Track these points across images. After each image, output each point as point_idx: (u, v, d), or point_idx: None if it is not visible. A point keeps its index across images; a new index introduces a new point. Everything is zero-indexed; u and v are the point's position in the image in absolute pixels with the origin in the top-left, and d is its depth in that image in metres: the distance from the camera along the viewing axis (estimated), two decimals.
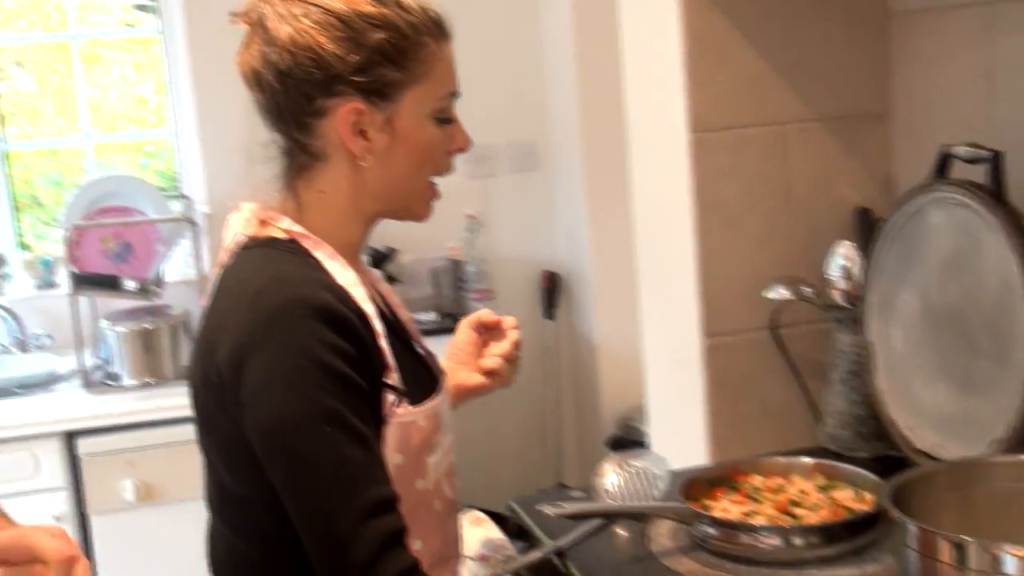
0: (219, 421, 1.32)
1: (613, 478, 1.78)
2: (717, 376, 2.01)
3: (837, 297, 1.86)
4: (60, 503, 2.79)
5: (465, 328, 1.64)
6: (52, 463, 2.78)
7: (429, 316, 3.27)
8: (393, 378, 1.33)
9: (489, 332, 1.64)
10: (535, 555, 1.59)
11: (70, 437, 2.80)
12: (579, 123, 3.39)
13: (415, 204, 1.41)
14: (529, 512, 1.77)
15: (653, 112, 2.09)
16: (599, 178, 3.32)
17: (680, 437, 2.14)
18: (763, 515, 1.57)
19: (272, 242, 1.36)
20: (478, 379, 1.61)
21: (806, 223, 2.00)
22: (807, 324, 1.99)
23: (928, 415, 1.68)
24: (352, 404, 1.25)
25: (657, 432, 2.27)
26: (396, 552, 1.23)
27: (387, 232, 3.42)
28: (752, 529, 1.52)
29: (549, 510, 1.56)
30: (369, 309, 1.33)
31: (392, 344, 1.36)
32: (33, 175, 3.80)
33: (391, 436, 1.31)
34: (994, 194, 1.53)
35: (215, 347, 1.30)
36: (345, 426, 1.23)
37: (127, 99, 3.85)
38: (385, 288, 1.55)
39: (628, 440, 3.03)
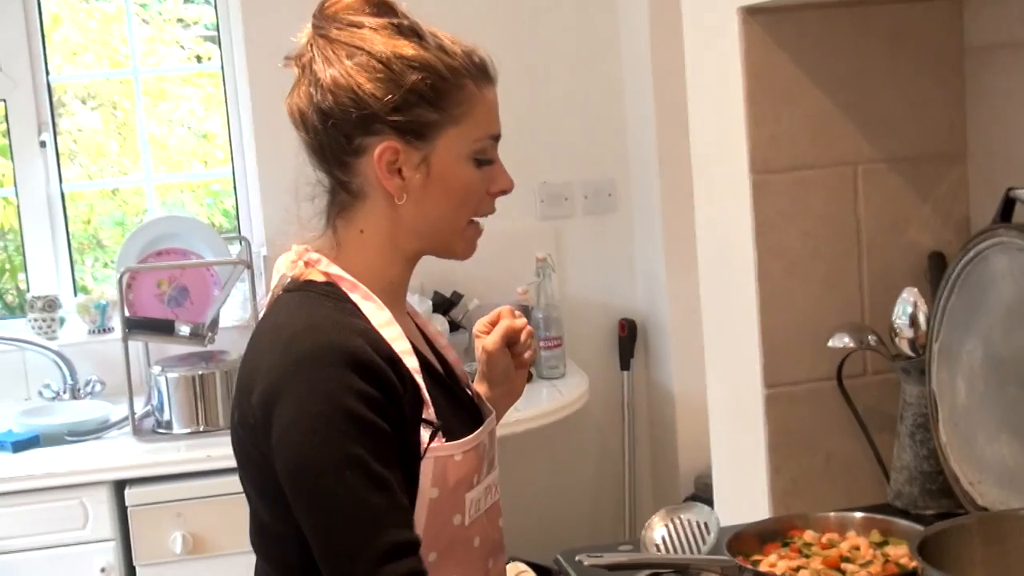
0: (254, 460, 1.47)
1: (661, 531, 1.89)
2: (778, 428, 2.09)
3: (904, 346, 1.93)
4: (108, 554, 2.95)
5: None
6: (100, 513, 2.94)
7: None
8: (429, 413, 1.46)
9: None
10: None
11: (119, 487, 2.97)
12: (658, 163, 3.51)
13: (454, 243, 1.55)
14: (575, 566, 1.87)
15: (716, 153, 2.19)
16: (678, 221, 3.42)
17: (743, 492, 2.23)
18: (811, 570, 1.66)
19: (310, 285, 1.51)
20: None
21: (876, 269, 2.08)
22: (875, 374, 2.08)
23: (992, 470, 1.75)
24: (376, 450, 1.38)
25: (720, 487, 2.36)
26: None
27: (454, 276, 3.59)
28: None
29: (586, 560, 1.67)
30: (403, 347, 1.47)
31: (430, 382, 1.50)
32: (95, 216, 4.03)
33: (426, 470, 1.45)
34: None
35: (251, 389, 1.46)
36: (366, 472, 1.37)
37: (193, 137, 4.07)
38: (432, 330, 1.71)
39: (704, 499, 3.11)
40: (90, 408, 3.31)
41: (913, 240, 2.08)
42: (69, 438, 3.13)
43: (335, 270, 1.51)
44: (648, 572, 1.79)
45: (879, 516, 1.77)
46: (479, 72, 1.52)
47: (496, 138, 1.53)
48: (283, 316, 1.49)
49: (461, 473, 1.50)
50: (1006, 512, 1.50)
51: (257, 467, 1.47)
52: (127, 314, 3.14)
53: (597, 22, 3.69)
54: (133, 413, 3.11)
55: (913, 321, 1.92)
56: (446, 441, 1.47)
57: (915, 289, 1.93)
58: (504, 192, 1.54)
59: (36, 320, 3.51)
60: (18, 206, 3.72)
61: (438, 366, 1.60)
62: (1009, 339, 1.73)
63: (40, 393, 3.45)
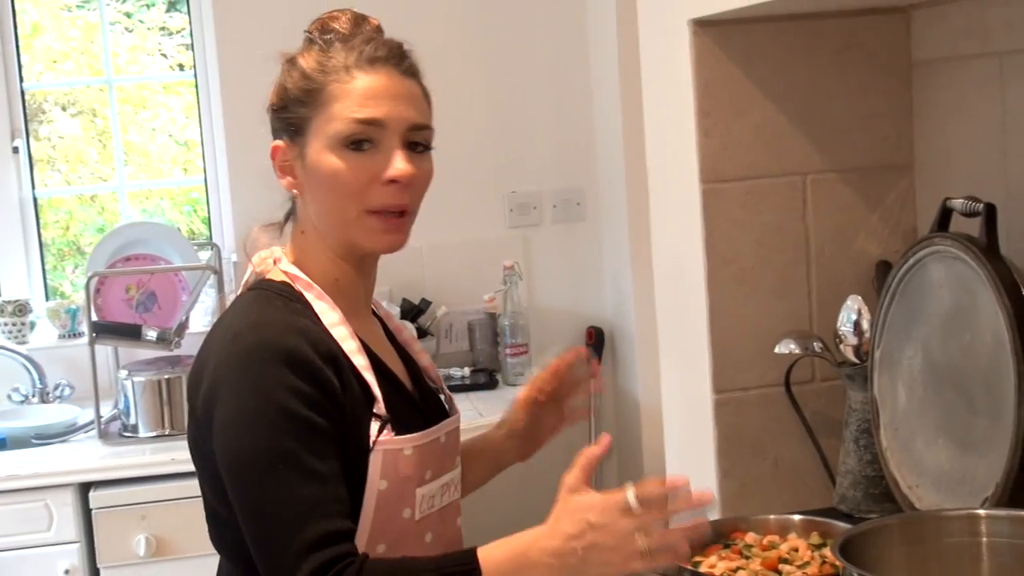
0: (204, 452, 1.52)
1: None
2: (728, 433, 2.11)
3: (849, 353, 1.97)
4: (72, 556, 2.96)
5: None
6: (65, 515, 2.96)
7: (463, 372, 3.42)
8: (379, 407, 1.51)
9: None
10: None
11: (84, 489, 2.98)
12: (625, 173, 3.54)
13: (354, 235, 1.54)
14: None
15: (670, 163, 2.22)
16: (645, 230, 3.45)
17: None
18: (750, 571, 1.69)
19: (266, 284, 1.56)
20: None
21: (825, 277, 2.11)
22: (822, 381, 2.11)
23: (929, 474, 1.78)
24: (310, 444, 1.43)
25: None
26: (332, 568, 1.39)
27: (422, 284, 3.63)
28: None
29: None
30: (351, 346, 1.52)
31: (382, 380, 1.54)
32: (75, 222, 4.05)
33: (375, 462, 1.49)
34: (987, 248, 1.64)
35: (199, 383, 1.51)
36: (298, 465, 1.41)
37: (175, 144, 4.10)
38: (406, 336, 1.77)
39: None
40: (58, 412, 3.34)
41: (861, 249, 2.11)
42: (36, 441, 3.15)
43: (292, 270, 1.57)
44: None
45: (819, 519, 1.81)
46: (357, 61, 1.54)
47: (369, 123, 1.52)
48: (235, 313, 1.54)
49: (411, 468, 1.54)
50: (927, 513, 1.53)
51: (206, 460, 1.52)
52: (94, 318, 3.16)
53: (566, 32, 3.73)
54: (99, 416, 3.13)
55: (857, 328, 1.95)
56: (395, 435, 1.51)
57: (859, 297, 1.96)
58: (393, 180, 1.51)
59: (6, 324, 3.54)
60: None
61: (393, 367, 1.64)
62: (946, 346, 1.76)
63: (9, 397, 3.47)
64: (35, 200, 3.76)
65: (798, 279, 2.11)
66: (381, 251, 1.57)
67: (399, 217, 1.54)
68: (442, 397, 1.75)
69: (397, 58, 1.56)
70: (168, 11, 4.06)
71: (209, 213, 3.84)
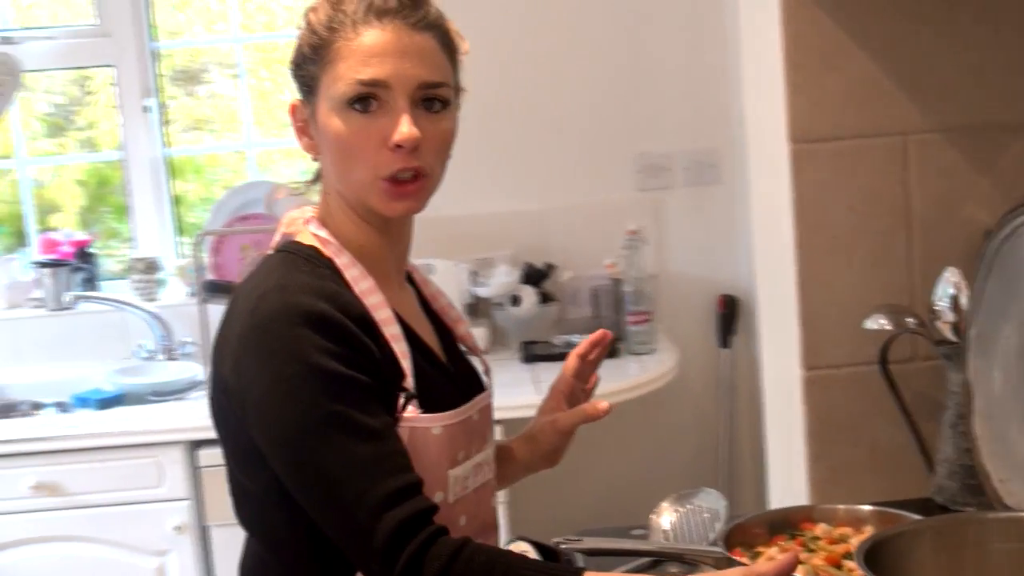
0: (229, 422, 1.47)
1: (670, 517, 1.83)
2: (818, 413, 2.01)
3: (945, 331, 1.83)
4: (182, 513, 3.01)
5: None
6: (175, 473, 3.00)
7: (583, 338, 3.32)
8: (408, 382, 1.44)
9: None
10: None
11: (193, 447, 3.02)
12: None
13: (367, 199, 1.47)
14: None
15: (762, 121, 2.10)
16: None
17: (787, 480, 2.14)
18: (809, 566, 1.57)
19: (294, 247, 1.50)
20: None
21: (928, 248, 1.97)
22: (924, 360, 1.97)
23: (1022, 468, 1.63)
24: (356, 401, 1.36)
25: (773, 474, 2.27)
26: (417, 534, 1.33)
27: (547, 248, 3.56)
28: None
29: (564, 544, 1.62)
30: (383, 315, 1.45)
31: (415, 353, 1.48)
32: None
33: (401, 439, 1.42)
34: None
35: (224, 351, 1.45)
36: (348, 426, 1.35)
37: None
38: (443, 303, 1.69)
39: None
40: (181, 369, 3.39)
41: (969, 217, 1.96)
42: (152, 398, 3.21)
43: (323, 233, 1.50)
44: (650, 560, 1.73)
45: (895, 511, 1.66)
46: (365, 15, 1.45)
47: (373, 84, 1.43)
48: (260, 275, 1.48)
49: (442, 448, 1.47)
50: (964, 516, 1.39)
51: (232, 429, 1.47)
52: (208, 277, 3.19)
53: None
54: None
55: (955, 304, 1.81)
56: (423, 412, 1.44)
57: (957, 270, 1.83)
58: (398, 145, 1.42)
59: (137, 281, 3.62)
60: (127, 171, 3.82)
61: (427, 339, 1.57)
62: None
63: (135, 353, 3.55)
64: (167, 160, 3.80)
65: (897, 249, 1.99)
66: (393, 216, 1.49)
67: (413, 181, 1.45)
68: (479, 369, 1.67)
69: (408, 9, 1.46)
70: None
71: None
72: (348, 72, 1.43)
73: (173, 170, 3.85)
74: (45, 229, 3.92)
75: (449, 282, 3.40)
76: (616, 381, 3.10)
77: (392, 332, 1.45)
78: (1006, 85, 1.95)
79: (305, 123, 1.50)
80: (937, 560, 1.22)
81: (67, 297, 3.64)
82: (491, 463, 1.61)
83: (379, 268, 1.51)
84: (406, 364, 1.45)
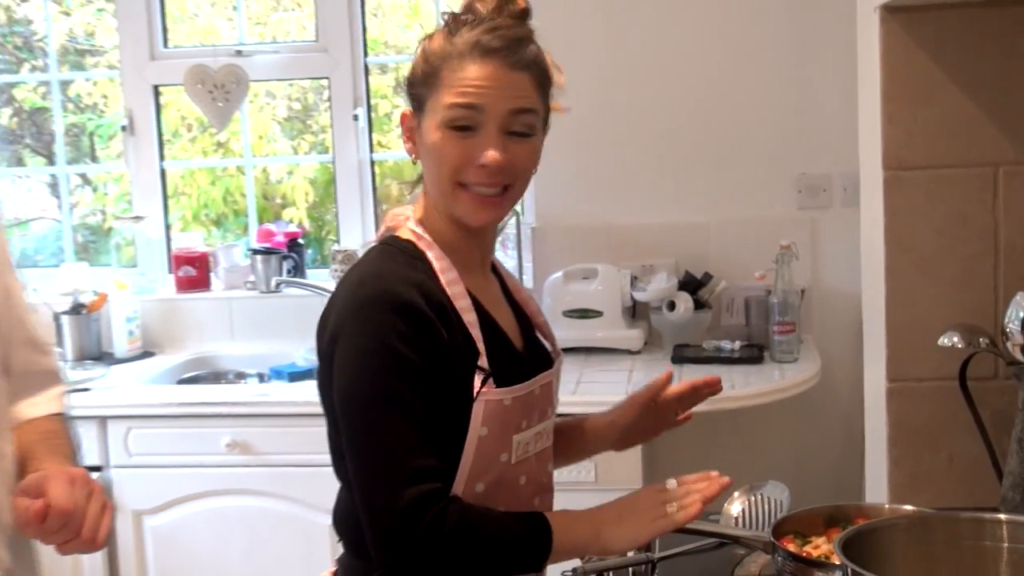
0: (325, 383, 1.64)
1: (739, 505, 1.91)
2: (899, 422, 2.05)
3: (1017, 353, 1.84)
4: None
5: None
6: None
7: (733, 345, 3.39)
8: (482, 361, 1.59)
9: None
10: (621, 561, 1.75)
11: None
12: None
13: (451, 206, 1.63)
14: None
15: (868, 150, 2.15)
16: None
17: (874, 486, 2.18)
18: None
19: (393, 240, 1.68)
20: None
21: (1010, 272, 1.99)
22: (1004, 379, 1.98)
23: None
24: (416, 386, 1.53)
25: (869, 476, 2.31)
26: (428, 513, 1.50)
27: (706, 258, 3.62)
28: (821, 566, 1.60)
29: None
30: (463, 304, 1.61)
31: (489, 335, 1.63)
32: None
33: (477, 411, 1.58)
34: None
35: (326, 325, 1.64)
36: (403, 404, 1.52)
37: None
38: (514, 283, 1.85)
39: None
40: None
41: None
42: None
43: (418, 229, 1.67)
44: (717, 541, 1.82)
45: (928, 511, 1.70)
46: (471, 50, 1.59)
47: (471, 108, 1.58)
48: (363, 263, 1.65)
49: (509, 416, 1.62)
50: (936, 514, 1.43)
51: (328, 393, 1.64)
52: None
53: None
54: None
55: None
56: (496, 387, 1.59)
57: None
58: (483, 166, 1.58)
59: (336, 270, 3.83)
60: (334, 172, 4.05)
61: (503, 323, 1.71)
62: None
63: None
64: (372, 163, 4.02)
65: (983, 272, 2.01)
66: (473, 224, 1.64)
67: (498, 195, 1.61)
68: (549, 350, 1.81)
69: (509, 50, 1.60)
70: None
71: None
72: (450, 98, 1.59)
73: (376, 173, 4.06)
74: (276, 220, 4.15)
75: (611, 285, 3.52)
76: (759, 385, 3.15)
77: (470, 319, 1.61)
78: None
79: (412, 131, 1.67)
80: (907, 552, 1.27)
81: (275, 282, 3.87)
82: (549, 433, 1.74)
83: (465, 261, 1.67)
84: (481, 345, 1.60)
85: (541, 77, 1.65)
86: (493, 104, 1.58)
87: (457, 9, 1.67)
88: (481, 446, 1.59)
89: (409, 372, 1.53)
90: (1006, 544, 1.27)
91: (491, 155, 1.57)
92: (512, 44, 1.60)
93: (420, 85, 1.64)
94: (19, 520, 1.36)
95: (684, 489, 1.54)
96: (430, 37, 1.65)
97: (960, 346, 1.89)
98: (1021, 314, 1.83)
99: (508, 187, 1.61)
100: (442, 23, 1.67)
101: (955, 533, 1.28)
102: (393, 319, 1.53)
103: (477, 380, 1.59)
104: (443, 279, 1.62)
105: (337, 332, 1.58)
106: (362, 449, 1.55)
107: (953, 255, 2.00)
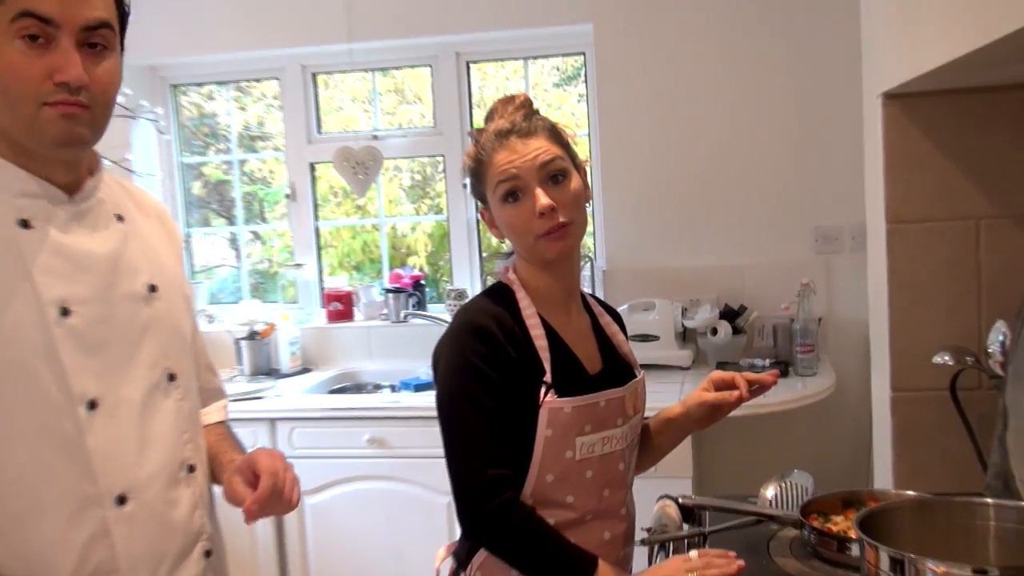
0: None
1: (773, 490, 1.89)
2: (901, 424, 2.01)
3: (996, 368, 1.82)
4: None
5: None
6: None
7: (764, 362, 3.36)
8: (547, 377, 1.59)
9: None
10: (681, 535, 1.74)
11: None
12: None
13: (535, 251, 1.62)
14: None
15: (874, 207, 2.13)
16: None
17: (881, 476, 2.15)
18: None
19: (495, 286, 1.69)
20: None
21: (995, 304, 1.95)
22: (988, 390, 1.94)
23: None
24: (490, 393, 1.54)
25: (876, 468, 2.27)
26: (501, 492, 1.53)
27: (742, 293, 3.60)
28: (840, 539, 1.58)
29: (682, 499, 1.72)
30: (537, 332, 1.61)
31: (557, 357, 1.62)
32: None
33: (543, 416, 1.58)
34: None
35: (437, 349, 1.65)
36: (479, 406, 1.54)
37: None
38: (604, 319, 1.79)
39: None
40: None
41: None
42: None
43: (514, 278, 1.68)
44: (755, 519, 1.80)
45: (927, 496, 1.67)
46: (492, 140, 1.62)
47: (507, 181, 1.59)
48: (469, 303, 1.67)
49: (572, 422, 1.60)
50: (933, 498, 1.40)
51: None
52: None
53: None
54: None
55: (1003, 348, 1.80)
56: (557, 396, 1.59)
57: (1005, 322, 1.80)
58: (542, 213, 1.57)
59: (449, 304, 3.88)
60: (448, 228, 4.11)
61: (576, 348, 1.67)
62: None
63: None
64: (478, 221, 4.04)
65: (969, 305, 1.98)
66: (554, 258, 1.62)
67: (559, 230, 1.60)
68: (636, 371, 1.77)
69: (518, 127, 1.62)
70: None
71: (595, 229, 3.96)
72: (494, 181, 1.61)
73: (480, 228, 4.10)
74: (403, 266, 4.21)
75: (665, 315, 3.51)
76: (785, 394, 3.12)
77: (541, 344, 1.60)
78: None
79: (490, 221, 1.67)
80: (911, 529, 1.25)
81: (403, 314, 3.93)
82: (620, 438, 1.67)
83: (548, 300, 1.66)
84: (547, 364, 1.59)
85: (555, 133, 1.65)
86: (525, 168, 1.59)
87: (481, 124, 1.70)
88: (547, 444, 1.58)
89: (485, 383, 1.54)
90: (992, 523, 1.25)
91: (542, 202, 1.58)
92: (518, 123, 1.62)
93: (476, 184, 1.66)
94: (234, 496, 1.40)
95: (705, 561, 1.48)
96: (468, 153, 1.67)
97: (951, 363, 1.86)
98: (1000, 338, 1.80)
99: (567, 224, 1.60)
100: (469, 138, 1.69)
101: (950, 514, 1.26)
102: (473, 341, 1.55)
103: (542, 391, 1.58)
104: (524, 312, 1.62)
105: (438, 354, 1.62)
106: (451, 443, 1.57)
107: (944, 291, 1.97)
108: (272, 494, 1.38)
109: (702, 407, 1.77)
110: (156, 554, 1.38)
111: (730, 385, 1.75)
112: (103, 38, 1.32)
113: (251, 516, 1.36)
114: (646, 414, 1.80)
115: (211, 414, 1.67)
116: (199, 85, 4.30)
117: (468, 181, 1.69)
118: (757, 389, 1.75)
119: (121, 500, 1.35)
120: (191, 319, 1.59)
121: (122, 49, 1.39)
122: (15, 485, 1.28)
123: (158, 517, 1.39)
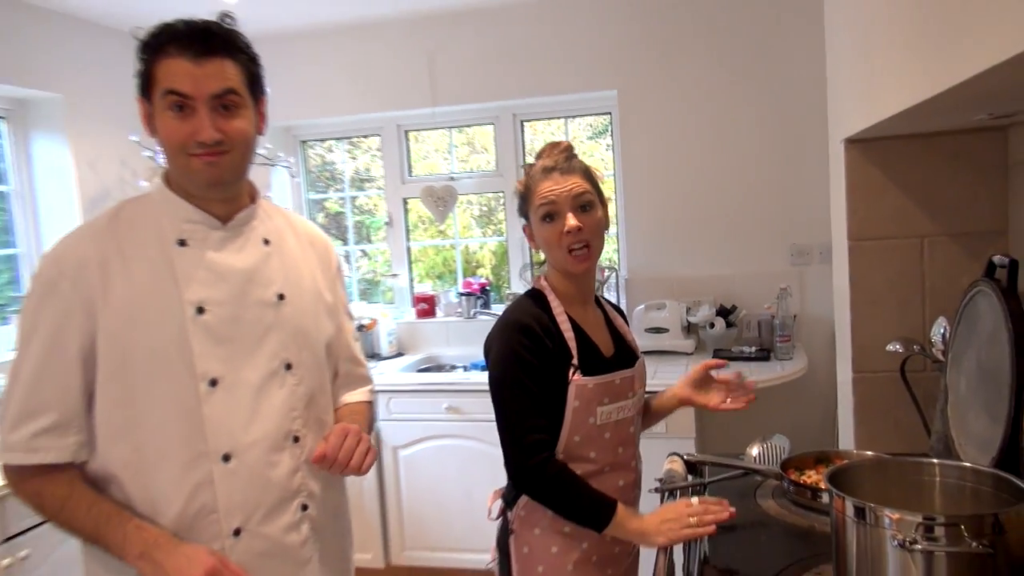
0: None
1: (756, 449, 1.82)
2: (862, 399, 1.93)
3: (938, 354, 1.73)
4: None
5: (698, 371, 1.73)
6: None
7: (750, 349, 3.27)
8: (574, 360, 1.54)
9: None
10: (686, 484, 1.68)
11: None
12: None
13: (563, 265, 1.58)
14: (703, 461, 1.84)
15: (839, 226, 2.05)
16: None
17: (845, 440, 2.06)
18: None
19: (531, 291, 1.64)
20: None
21: (936, 305, 1.87)
22: (931, 372, 1.86)
23: (972, 437, 1.53)
24: (531, 376, 1.50)
25: (841, 434, 2.18)
26: (539, 452, 1.48)
27: (732, 295, 3.50)
28: (813, 489, 1.51)
29: (687, 456, 1.66)
30: (565, 326, 1.56)
31: (582, 345, 1.57)
32: None
33: (572, 390, 1.53)
34: (1005, 289, 1.39)
35: (488, 343, 1.60)
36: (524, 387, 1.49)
37: None
38: (613, 314, 1.73)
39: None
40: None
41: (960, 287, 1.82)
42: None
43: (545, 284, 1.63)
44: (742, 471, 1.74)
45: (883, 455, 1.60)
46: (538, 174, 1.57)
47: (546, 204, 1.54)
48: (513, 305, 1.62)
49: (593, 395, 1.56)
50: (888, 458, 1.32)
51: None
52: None
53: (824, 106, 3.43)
54: None
55: (944, 338, 1.71)
56: (583, 376, 1.54)
57: (945, 317, 1.72)
58: (568, 234, 1.53)
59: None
60: (507, 247, 4.07)
61: (595, 337, 1.62)
62: (988, 354, 1.50)
63: None
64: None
65: (915, 305, 1.89)
66: (578, 272, 1.58)
67: (582, 250, 1.55)
68: (640, 357, 1.72)
69: (560, 166, 1.57)
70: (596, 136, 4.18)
71: (619, 247, 3.90)
72: (536, 204, 1.57)
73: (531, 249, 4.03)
74: (473, 276, 4.18)
75: (674, 313, 3.43)
76: (766, 375, 3.03)
77: (569, 335, 1.56)
78: (988, 207, 1.82)
79: (531, 234, 1.62)
80: (871, 483, 1.18)
81: (473, 312, 3.89)
82: (630, 407, 1.62)
83: (571, 299, 1.62)
84: (574, 351, 1.55)
85: (588, 174, 1.60)
86: (561, 196, 1.55)
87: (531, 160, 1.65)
88: (575, 413, 1.54)
89: (527, 368, 1.50)
90: (937, 479, 1.18)
91: (570, 224, 1.54)
92: (561, 163, 1.58)
93: (523, 203, 1.62)
94: (313, 458, 1.38)
95: (704, 507, 1.43)
96: (520, 180, 1.63)
97: (901, 351, 1.78)
98: (940, 331, 1.72)
99: (589, 245, 1.56)
100: (522, 170, 1.64)
101: (902, 471, 1.19)
102: (517, 336, 1.51)
103: (571, 371, 1.54)
104: (555, 312, 1.58)
105: (490, 344, 1.57)
106: (501, 415, 1.53)
107: (895, 294, 1.89)
108: (333, 448, 1.34)
109: (683, 402, 1.73)
110: (252, 503, 1.35)
111: (708, 381, 1.71)
112: (232, 101, 1.31)
113: (319, 463, 1.34)
114: (650, 390, 1.76)
115: (354, 395, 1.61)
116: (321, 140, 4.33)
117: (517, 203, 1.66)
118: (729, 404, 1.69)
119: (226, 458, 1.33)
120: (328, 321, 1.52)
121: (257, 103, 1.38)
122: (149, 439, 1.29)
123: (257, 475, 1.36)
